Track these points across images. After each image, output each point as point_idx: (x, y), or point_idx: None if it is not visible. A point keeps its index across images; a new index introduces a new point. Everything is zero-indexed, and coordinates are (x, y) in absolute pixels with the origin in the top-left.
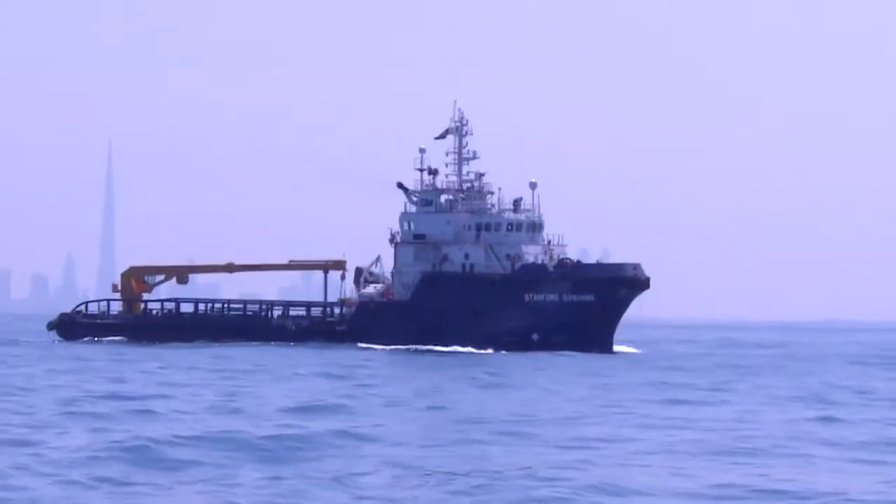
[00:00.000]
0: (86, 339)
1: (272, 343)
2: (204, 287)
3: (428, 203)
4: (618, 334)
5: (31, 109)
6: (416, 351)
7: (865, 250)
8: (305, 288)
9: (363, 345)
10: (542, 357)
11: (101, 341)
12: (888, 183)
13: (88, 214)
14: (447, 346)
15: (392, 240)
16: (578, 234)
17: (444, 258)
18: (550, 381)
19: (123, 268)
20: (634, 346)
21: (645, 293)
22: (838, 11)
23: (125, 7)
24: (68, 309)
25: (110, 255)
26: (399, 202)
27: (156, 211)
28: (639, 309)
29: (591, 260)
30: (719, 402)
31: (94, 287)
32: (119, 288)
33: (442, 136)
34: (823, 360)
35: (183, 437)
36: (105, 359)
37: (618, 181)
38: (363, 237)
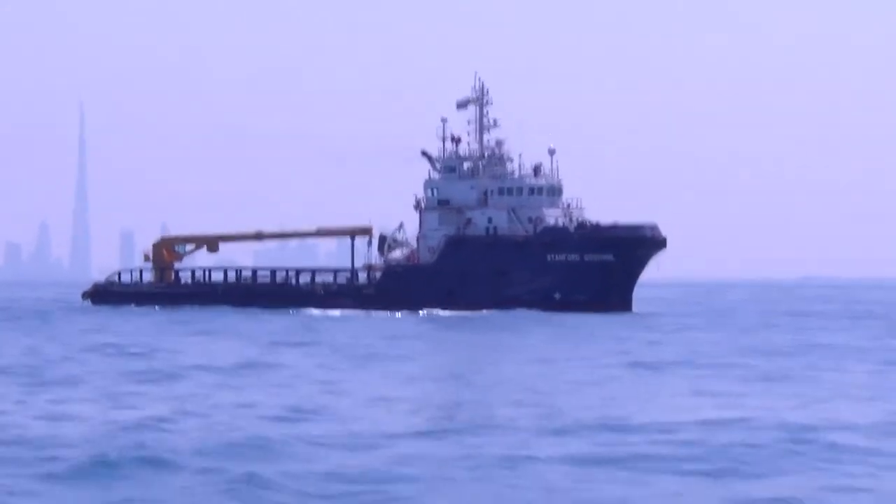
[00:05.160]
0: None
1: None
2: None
3: (451, 170)
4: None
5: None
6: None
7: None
8: (279, 254)
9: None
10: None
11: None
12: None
13: (62, 181)
14: (471, 308)
15: (417, 206)
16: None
17: (468, 222)
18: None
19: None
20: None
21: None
22: None
23: None
24: (44, 277)
25: (83, 223)
26: (423, 170)
27: (130, 179)
28: (657, 269)
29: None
30: None
31: (68, 255)
32: (150, 258)
33: (463, 106)
34: None
35: None
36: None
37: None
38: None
